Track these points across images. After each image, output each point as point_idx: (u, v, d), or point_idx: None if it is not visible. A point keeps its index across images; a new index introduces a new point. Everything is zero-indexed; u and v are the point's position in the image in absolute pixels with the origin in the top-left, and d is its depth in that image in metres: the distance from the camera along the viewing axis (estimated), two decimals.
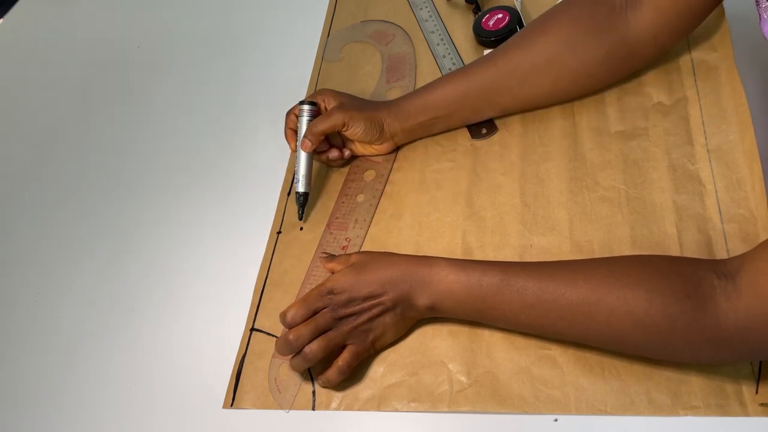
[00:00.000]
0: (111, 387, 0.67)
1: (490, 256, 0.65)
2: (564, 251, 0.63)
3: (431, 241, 0.68)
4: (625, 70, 0.71)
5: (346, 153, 0.75)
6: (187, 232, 0.78)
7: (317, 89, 0.75)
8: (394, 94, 0.81)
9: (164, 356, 0.68)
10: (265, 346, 0.66)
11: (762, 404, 0.52)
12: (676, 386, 0.54)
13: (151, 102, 0.94)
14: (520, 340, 0.59)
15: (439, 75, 0.82)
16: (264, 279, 0.70)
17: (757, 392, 0.53)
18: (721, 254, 0.59)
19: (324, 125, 0.71)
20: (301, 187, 0.73)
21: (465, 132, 0.75)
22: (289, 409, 0.61)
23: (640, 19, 0.65)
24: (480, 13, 0.84)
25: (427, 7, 0.90)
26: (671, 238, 0.61)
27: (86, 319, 0.73)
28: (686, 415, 0.53)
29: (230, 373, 0.65)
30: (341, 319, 0.60)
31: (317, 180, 0.77)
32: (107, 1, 1.12)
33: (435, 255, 0.61)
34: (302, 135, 0.72)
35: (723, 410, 0.52)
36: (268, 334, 0.66)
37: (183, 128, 0.89)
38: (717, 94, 0.68)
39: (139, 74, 0.98)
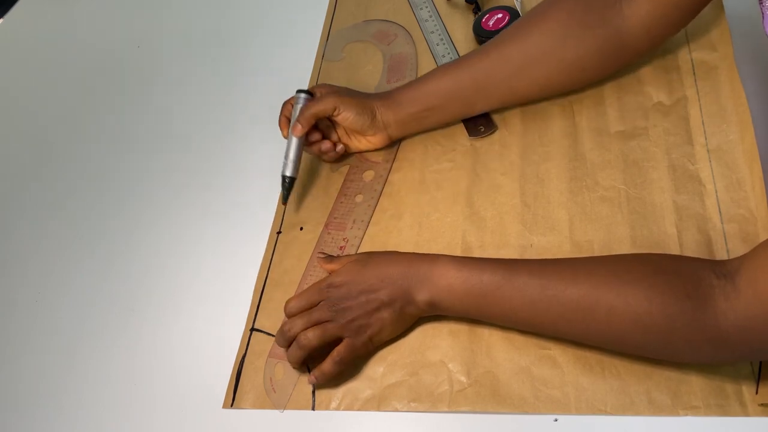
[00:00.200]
0: (111, 387, 0.67)
1: (490, 256, 0.65)
2: (564, 251, 0.63)
3: (431, 241, 0.68)
4: (619, 63, 0.71)
5: (339, 147, 0.75)
6: (187, 232, 0.78)
7: (317, 84, 0.75)
8: None
9: (164, 356, 0.68)
10: (265, 346, 0.66)
11: (762, 404, 0.52)
12: (676, 386, 0.54)
13: (150, 102, 0.94)
14: (520, 340, 0.59)
15: None
16: (264, 279, 0.70)
17: (757, 392, 0.53)
18: (721, 254, 0.59)
19: (315, 108, 0.71)
20: (288, 171, 0.73)
21: (464, 132, 0.75)
22: (284, 408, 0.61)
23: (634, 12, 0.65)
24: (480, 13, 0.84)
25: (427, 7, 0.90)
26: (671, 238, 0.61)
27: (86, 319, 0.73)
28: (686, 415, 0.53)
29: (230, 373, 0.65)
30: (338, 312, 0.60)
31: (317, 180, 0.77)
32: (107, 1, 1.12)
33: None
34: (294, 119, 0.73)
35: (723, 410, 0.52)
36: (268, 334, 0.66)
37: (183, 128, 0.89)
38: (717, 93, 0.68)
39: (139, 74, 0.98)
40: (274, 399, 0.62)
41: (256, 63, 0.93)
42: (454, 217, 0.69)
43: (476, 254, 0.66)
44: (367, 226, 0.71)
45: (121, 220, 0.81)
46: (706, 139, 0.66)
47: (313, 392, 0.62)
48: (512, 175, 0.70)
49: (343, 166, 0.77)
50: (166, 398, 0.65)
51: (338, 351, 0.60)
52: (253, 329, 0.67)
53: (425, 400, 0.59)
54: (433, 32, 0.87)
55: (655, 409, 0.54)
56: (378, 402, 0.60)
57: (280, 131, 0.75)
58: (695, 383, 0.54)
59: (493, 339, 0.60)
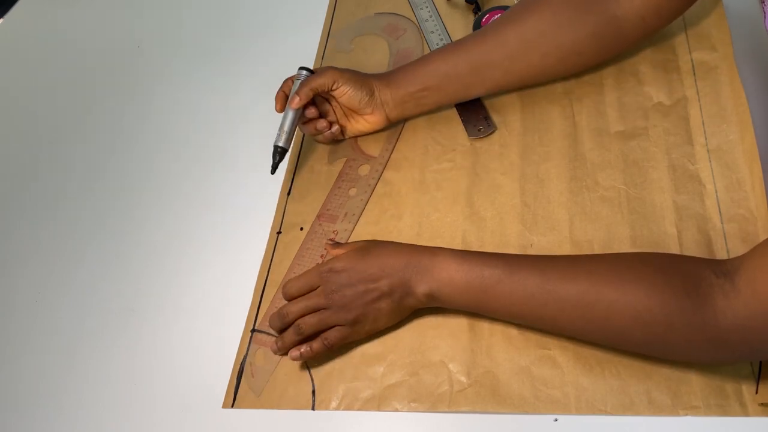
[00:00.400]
0: (111, 387, 0.67)
1: None
2: (564, 251, 0.63)
3: (431, 241, 0.68)
4: (613, 50, 0.72)
5: (335, 128, 0.76)
6: (188, 232, 0.78)
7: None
8: None
9: (164, 356, 0.68)
10: (264, 349, 0.66)
11: (762, 404, 0.52)
12: (676, 386, 0.54)
13: (150, 102, 0.94)
14: (520, 340, 0.59)
15: None
16: (264, 279, 0.70)
17: (756, 392, 0.53)
18: (721, 254, 0.59)
19: (314, 82, 0.72)
20: (281, 142, 0.73)
21: (465, 132, 0.75)
22: (260, 394, 0.63)
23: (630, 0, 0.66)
24: (480, 13, 0.84)
25: (427, 6, 0.90)
26: (671, 238, 0.61)
27: (86, 319, 0.73)
28: (686, 415, 0.53)
29: (230, 373, 0.65)
30: (336, 299, 0.60)
31: (308, 173, 0.77)
32: (107, 1, 1.12)
33: None
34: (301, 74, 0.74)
35: (723, 410, 0.52)
36: (269, 334, 0.66)
37: (183, 128, 0.89)
38: (717, 94, 0.68)
39: (139, 74, 0.98)
40: (252, 384, 0.63)
41: (256, 63, 0.93)
42: (454, 217, 0.69)
43: None
44: (358, 219, 0.72)
45: (122, 220, 0.81)
46: (706, 139, 0.66)
47: (313, 392, 0.62)
48: (512, 175, 0.70)
49: (340, 160, 0.77)
50: (166, 398, 0.65)
51: (330, 335, 0.61)
52: (253, 330, 0.67)
53: (425, 400, 0.59)
54: (433, 32, 0.87)
55: (655, 409, 0.54)
56: (378, 402, 0.60)
57: (275, 105, 0.75)
58: (695, 383, 0.54)
59: (493, 339, 0.60)
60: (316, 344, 0.61)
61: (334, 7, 0.96)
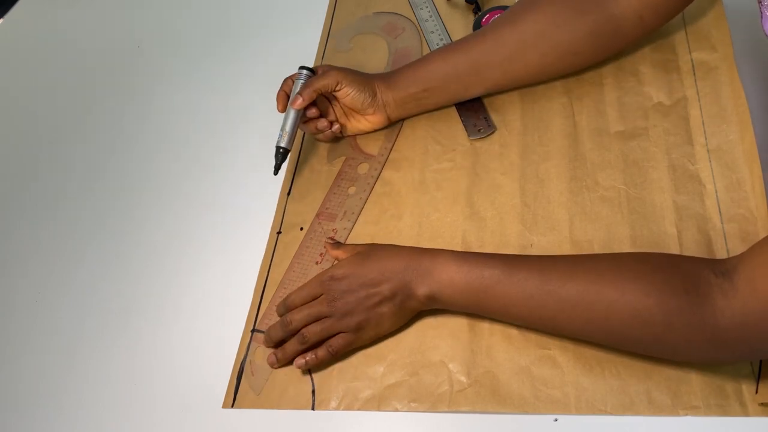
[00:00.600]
0: (111, 387, 0.67)
1: None
2: (564, 251, 0.63)
3: (431, 241, 0.68)
4: (611, 49, 0.72)
5: (335, 126, 0.76)
6: (188, 232, 0.78)
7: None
8: None
9: (164, 356, 0.68)
10: (264, 347, 0.66)
11: (762, 404, 0.52)
12: (676, 386, 0.54)
13: (151, 102, 0.94)
14: (520, 340, 0.59)
15: None
16: (264, 279, 0.70)
17: (756, 392, 0.53)
18: (721, 254, 0.59)
19: (318, 83, 0.72)
20: (283, 143, 0.73)
21: (465, 132, 0.75)
22: (260, 392, 0.63)
23: None
24: (480, 13, 0.84)
25: (427, 6, 0.90)
26: (671, 238, 0.61)
27: (86, 319, 0.73)
28: (686, 415, 0.53)
29: (230, 373, 0.65)
30: (338, 306, 0.61)
31: (309, 173, 0.77)
32: (107, 1, 1.12)
33: None
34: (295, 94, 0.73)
35: (723, 410, 0.52)
36: None
37: (183, 128, 0.89)
38: (717, 94, 0.68)
39: (139, 74, 0.98)
40: (252, 382, 0.63)
41: (257, 62, 0.93)
42: (454, 217, 0.69)
43: None
44: (357, 218, 0.72)
45: (122, 220, 0.81)
46: (706, 139, 0.66)
47: (313, 392, 0.62)
48: (512, 175, 0.70)
49: (339, 159, 0.77)
50: (166, 398, 0.65)
51: (335, 343, 0.61)
52: (254, 330, 0.67)
53: (425, 400, 0.59)
54: (433, 32, 0.87)
55: (655, 409, 0.54)
56: (378, 402, 0.60)
57: (276, 105, 0.75)
58: (695, 383, 0.54)
59: (493, 339, 0.60)
60: (321, 352, 0.61)
61: (334, 6, 0.96)
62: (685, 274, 0.50)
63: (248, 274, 0.71)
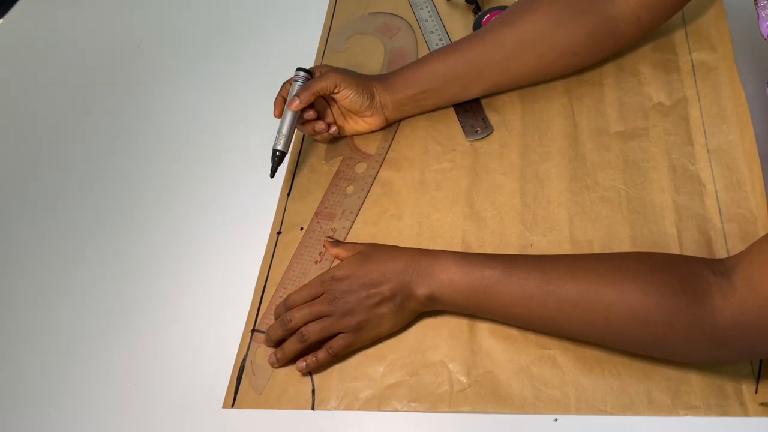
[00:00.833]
0: (111, 387, 0.67)
1: None
2: (564, 251, 0.63)
3: (431, 241, 0.68)
4: (609, 49, 0.72)
5: (333, 129, 0.76)
6: (188, 232, 0.78)
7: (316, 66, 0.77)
8: None
9: (164, 356, 0.68)
10: (266, 347, 0.66)
11: (762, 403, 0.52)
12: (676, 386, 0.54)
13: (150, 102, 0.94)
14: (520, 340, 0.59)
15: None
16: (264, 279, 0.70)
17: (756, 391, 0.53)
18: (721, 254, 0.59)
19: (316, 86, 0.72)
20: (279, 145, 0.73)
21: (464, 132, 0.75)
22: (261, 392, 0.62)
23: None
24: (480, 13, 0.84)
25: (427, 6, 0.90)
26: (671, 238, 0.61)
27: (86, 319, 0.73)
28: (686, 415, 0.53)
29: (230, 373, 0.65)
30: (339, 306, 0.61)
31: (309, 173, 0.77)
32: (107, 1, 1.12)
33: None
34: (291, 96, 0.73)
35: (723, 410, 0.52)
36: None
37: (183, 128, 0.89)
38: (717, 94, 0.68)
39: (139, 74, 0.98)
40: (253, 382, 0.63)
41: (257, 62, 0.93)
42: (454, 217, 0.69)
43: None
44: (356, 217, 0.72)
45: (122, 220, 0.81)
46: (706, 139, 0.66)
47: (313, 392, 0.62)
48: (512, 175, 0.70)
49: (337, 159, 0.77)
50: (166, 398, 0.65)
51: (337, 343, 0.61)
52: (254, 330, 0.67)
53: (425, 400, 0.59)
54: (432, 32, 0.87)
55: (655, 409, 0.54)
56: (378, 402, 0.60)
57: (273, 110, 0.75)
58: (695, 383, 0.54)
59: (493, 339, 0.60)
60: (321, 354, 0.61)
61: (335, 6, 0.96)
62: (684, 273, 0.50)
63: (248, 274, 0.71)
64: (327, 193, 0.75)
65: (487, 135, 0.74)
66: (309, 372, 0.63)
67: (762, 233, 0.59)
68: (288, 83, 0.75)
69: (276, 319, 0.65)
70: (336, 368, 0.63)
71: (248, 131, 0.85)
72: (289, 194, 0.77)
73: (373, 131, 0.78)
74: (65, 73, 1.02)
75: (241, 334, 0.67)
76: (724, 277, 0.49)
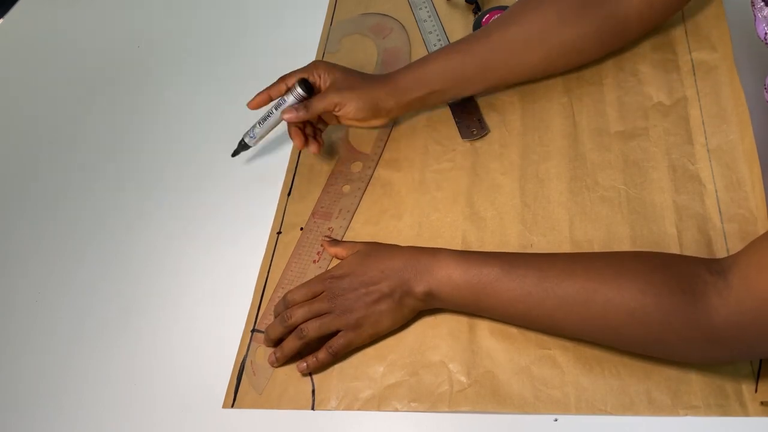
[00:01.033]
0: (111, 387, 0.67)
1: None
2: (564, 251, 0.63)
3: (431, 241, 0.68)
4: (614, 45, 0.73)
5: (312, 148, 0.74)
6: (187, 232, 0.78)
7: (313, 61, 0.75)
8: None
9: (164, 356, 0.68)
10: (266, 347, 0.66)
11: (762, 402, 0.52)
12: (676, 386, 0.54)
13: (150, 102, 0.94)
14: (520, 340, 0.59)
15: None
16: (264, 279, 0.70)
17: (756, 390, 0.53)
18: (722, 254, 0.59)
19: (315, 107, 0.71)
20: (250, 142, 0.77)
21: None
22: (262, 392, 0.63)
23: None
24: (480, 13, 0.84)
25: (426, 6, 0.90)
26: (671, 238, 0.61)
27: (86, 319, 0.73)
28: (686, 415, 0.53)
29: (230, 373, 0.65)
30: (338, 304, 0.61)
31: (308, 173, 0.78)
32: (107, 1, 1.12)
33: None
34: (286, 105, 0.72)
35: (723, 410, 0.52)
36: None
37: (183, 128, 0.89)
38: (717, 94, 0.68)
39: (139, 74, 0.98)
40: (254, 382, 0.63)
41: (256, 62, 0.93)
42: (454, 217, 0.69)
43: None
44: (353, 216, 0.72)
45: (121, 220, 0.81)
46: (706, 139, 0.66)
47: (313, 392, 0.62)
48: (512, 175, 0.70)
49: (334, 158, 0.78)
50: (166, 398, 0.65)
51: (335, 343, 0.61)
52: (254, 330, 0.67)
53: (425, 400, 0.59)
54: (431, 32, 0.87)
55: (655, 409, 0.54)
56: (378, 402, 0.60)
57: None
58: (695, 383, 0.54)
59: (493, 339, 0.60)
60: (321, 354, 0.62)
61: (334, 6, 0.96)
62: (682, 273, 0.50)
63: (248, 274, 0.71)
64: (323, 193, 0.75)
65: (483, 135, 0.74)
66: (309, 372, 0.63)
67: (762, 233, 0.59)
68: (283, 81, 0.73)
69: (276, 317, 0.65)
70: (336, 368, 0.63)
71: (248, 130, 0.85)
72: (289, 194, 0.77)
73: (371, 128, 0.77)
74: (65, 73, 1.02)
75: (241, 334, 0.67)
76: (721, 276, 0.49)
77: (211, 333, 0.68)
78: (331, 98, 0.71)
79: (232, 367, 0.65)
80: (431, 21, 0.88)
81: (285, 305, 0.64)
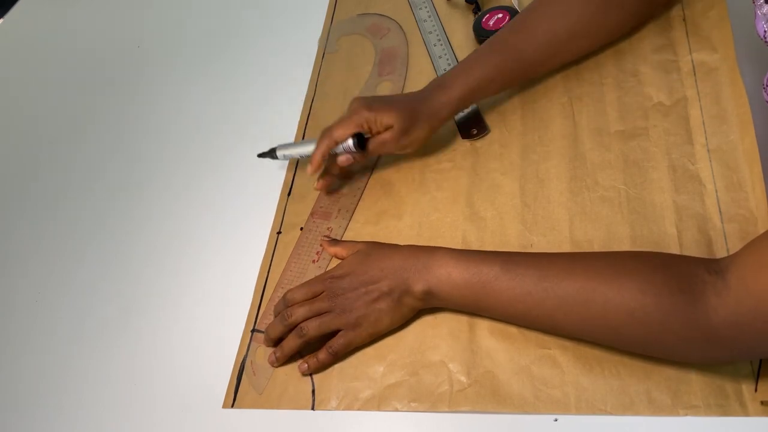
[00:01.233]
0: (111, 387, 0.67)
1: None
2: (564, 251, 0.63)
3: (431, 241, 0.68)
4: (645, 20, 0.75)
5: (319, 182, 0.74)
6: (188, 232, 0.78)
7: (354, 104, 0.70)
8: (384, 88, 0.83)
9: (164, 356, 0.68)
10: (266, 347, 0.66)
11: (762, 402, 0.52)
12: (676, 386, 0.54)
13: (150, 102, 0.94)
14: (520, 340, 0.59)
15: (434, 75, 0.82)
16: (264, 279, 0.70)
17: (756, 390, 0.53)
18: (722, 254, 0.59)
19: (368, 155, 0.71)
20: (280, 157, 0.76)
21: None
22: (262, 392, 0.63)
23: None
24: (480, 13, 0.84)
25: (426, 6, 0.90)
26: (671, 238, 0.61)
27: (86, 319, 0.73)
28: (686, 415, 0.53)
29: (230, 373, 0.65)
30: (338, 303, 0.61)
31: (313, 175, 0.77)
32: (107, 1, 1.12)
33: None
34: (338, 151, 0.70)
35: (723, 410, 0.52)
36: None
37: (183, 127, 0.89)
38: (717, 94, 0.68)
39: (139, 74, 0.98)
40: (254, 382, 0.63)
41: (256, 62, 0.93)
42: (454, 217, 0.69)
43: None
44: (352, 215, 0.72)
45: (121, 220, 0.81)
46: (706, 139, 0.66)
47: (313, 392, 0.62)
48: (512, 174, 0.70)
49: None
50: (166, 398, 0.65)
51: (335, 343, 0.61)
52: (254, 330, 0.67)
53: (425, 400, 0.59)
54: (431, 32, 0.87)
55: (655, 408, 0.54)
56: (378, 402, 0.60)
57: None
58: (695, 383, 0.54)
59: (493, 339, 0.60)
60: (321, 354, 0.62)
61: (334, 7, 0.96)
62: (680, 272, 0.50)
63: (248, 274, 0.71)
64: (322, 193, 0.75)
65: (483, 135, 0.74)
66: (310, 373, 0.63)
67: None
68: (330, 138, 0.69)
69: (276, 315, 0.65)
70: (336, 368, 0.63)
71: (248, 131, 0.85)
72: (289, 194, 0.77)
73: None
74: (65, 73, 1.02)
75: (241, 334, 0.67)
76: (719, 276, 0.49)
77: (211, 333, 0.68)
78: (385, 145, 0.69)
79: (232, 367, 0.65)
80: (431, 21, 0.88)
81: (285, 304, 0.64)
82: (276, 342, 0.64)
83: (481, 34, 0.81)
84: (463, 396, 0.58)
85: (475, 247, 0.66)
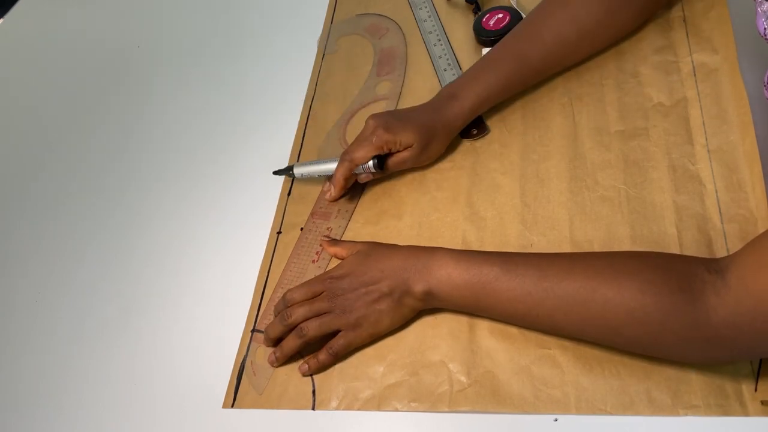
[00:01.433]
0: (111, 387, 0.67)
1: None
2: (564, 251, 0.63)
3: (431, 241, 0.68)
4: (649, 16, 0.76)
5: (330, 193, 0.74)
6: (188, 232, 0.78)
7: (371, 123, 0.70)
8: (383, 87, 0.83)
9: (164, 356, 0.68)
10: (266, 347, 0.66)
11: (762, 402, 0.52)
12: (676, 386, 0.54)
13: (151, 102, 0.94)
14: (520, 340, 0.59)
15: (434, 75, 0.82)
16: (264, 279, 0.70)
17: (756, 390, 0.53)
18: (721, 254, 0.59)
19: (391, 168, 0.72)
20: (298, 173, 0.75)
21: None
22: (262, 392, 0.63)
23: None
24: (480, 13, 0.84)
25: (426, 6, 0.90)
26: (671, 238, 0.61)
27: (86, 319, 0.73)
28: (686, 414, 0.53)
29: (230, 373, 0.65)
30: (338, 303, 0.61)
31: (318, 180, 0.77)
32: (107, 1, 1.12)
33: None
34: (358, 170, 0.71)
35: (723, 410, 0.52)
36: None
37: (183, 128, 0.89)
38: (717, 95, 0.68)
39: (139, 74, 0.98)
40: (254, 382, 0.63)
41: (256, 62, 0.93)
42: (454, 217, 0.69)
43: None
44: (351, 215, 0.72)
45: (121, 220, 0.81)
46: (706, 139, 0.66)
47: (313, 392, 0.62)
48: (512, 174, 0.70)
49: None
50: (166, 398, 0.65)
51: (335, 343, 0.61)
52: (254, 330, 0.67)
53: (425, 400, 0.59)
54: (431, 32, 0.87)
55: (655, 408, 0.54)
56: (378, 402, 0.60)
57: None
58: (695, 383, 0.54)
59: (493, 339, 0.60)
60: (322, 355, 0.62)
61: (334, 7, 0.96)
62: (680, 272, 0.50)
63: (248, 274, 0.71)
64: (321, 193, 0.75)
65: (484, 135, 0.74)
66: (310, 373, 0.63)
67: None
68: (350, 161, 0.70)
69: (275, 315, 0.65)
70: (336, 368, 0.63)
71: (248, 131, 0.85)
72: (289, 194, 0.77)
73: None
74: (65, 73, 1.02)
75: (241, 334, 0.67)
76: (719, 275, 0.49)
77: (211, 333, 0.68)
78: (407, 163, 0.71)
79: (232, 367, 0.65)
80: (431, 21, 0.88)
81: (285, 304, 0.64)
82: (276, 342, 0.64)
83: (481, 34, 0.81)
84: (463, 396, 0.58)
85: (475, 247, 0.66)
